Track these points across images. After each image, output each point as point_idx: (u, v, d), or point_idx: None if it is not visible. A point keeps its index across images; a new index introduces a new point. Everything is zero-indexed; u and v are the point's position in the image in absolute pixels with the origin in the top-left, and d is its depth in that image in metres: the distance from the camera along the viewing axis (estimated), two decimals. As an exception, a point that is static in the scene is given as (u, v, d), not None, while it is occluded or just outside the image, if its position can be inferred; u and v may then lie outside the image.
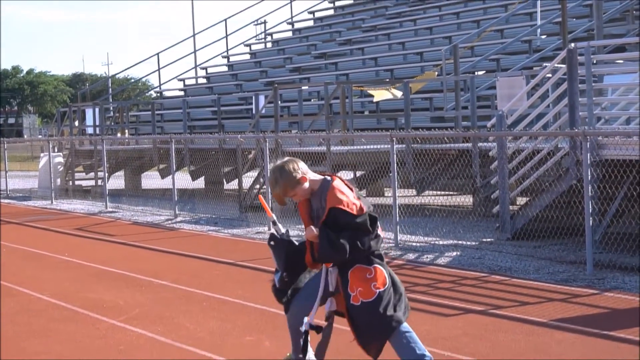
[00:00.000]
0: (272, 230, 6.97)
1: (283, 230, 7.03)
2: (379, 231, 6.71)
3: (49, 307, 10.43)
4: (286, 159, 6.83)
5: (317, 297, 6.79)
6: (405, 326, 6.64)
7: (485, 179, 16.26)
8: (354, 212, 6.57)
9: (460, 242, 14.38)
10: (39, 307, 10.41)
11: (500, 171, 14.33)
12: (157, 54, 34.45)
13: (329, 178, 6.76)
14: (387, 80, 24.08)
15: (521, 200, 16.07)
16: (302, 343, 7.26)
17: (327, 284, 6.75)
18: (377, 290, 6.55)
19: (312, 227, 6.59)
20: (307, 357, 7.41)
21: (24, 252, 15.29)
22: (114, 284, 11.80)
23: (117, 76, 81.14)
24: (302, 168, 6.77)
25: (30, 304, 10.66)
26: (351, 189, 6.72)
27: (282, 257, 6.94)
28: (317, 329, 6.84)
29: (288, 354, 7.44)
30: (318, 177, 6.79)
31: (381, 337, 6.60)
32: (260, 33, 37.76)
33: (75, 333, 9.06)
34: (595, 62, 14.50)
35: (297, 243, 7.00)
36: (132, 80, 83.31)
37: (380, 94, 22.01)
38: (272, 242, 6.98)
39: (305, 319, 6.99)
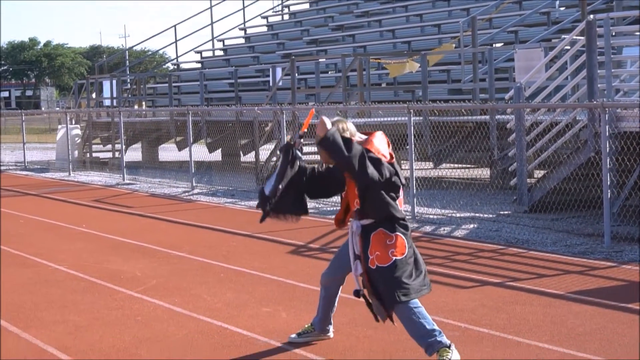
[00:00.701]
0: (293, 141, 6.89)
1: (300, 151, 6.95)
2: (400, 199, 6.70)
3: (67, 277, 10.47)
4: (336, 118, 6.78)
5: (351, 263, 6.79)
6: (416, 302, 6.62)
7: (503, 151, 16.20)
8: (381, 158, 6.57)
9: (477, 214, 14.35)
10: (56, 278, 10.46)
11: (518, 143, 14.27)
12: (174, 26, 34.36)
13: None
14: (405, 52, 24.00)
15: (539, 173, 16.01)
16: (323, 312, 7.28)
17: (354, 248, 6.73)
18: (394, 258, 6.54)
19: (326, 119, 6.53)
20: (330, 329, 7.43)
21: (42, 223, 15.35)
22: (132, 255, 11.84)
23: (134, 48, 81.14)
24: (350, 129, 6.76)
25: (48, 274, 10.71)
26: (389, 145, 6.73)
27: (287, 171, 6.87)
28: (357, 293, 6.83)
29: (306, 325, 7.46)
30: (363, 137, 6.78)
31: (388, 305, 6.59)
32: (277, 5, 37.69)
33: (93, 303, 9.09)
34: (614, 33, 14.40)
35: (306, 166, 6.97)
36: (149, 53, 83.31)
37: (396, 69, 21.91)
38: (286, 151, 6.90)
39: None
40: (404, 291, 6.53)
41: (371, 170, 6.45)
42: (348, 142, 6.48)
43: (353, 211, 6.78)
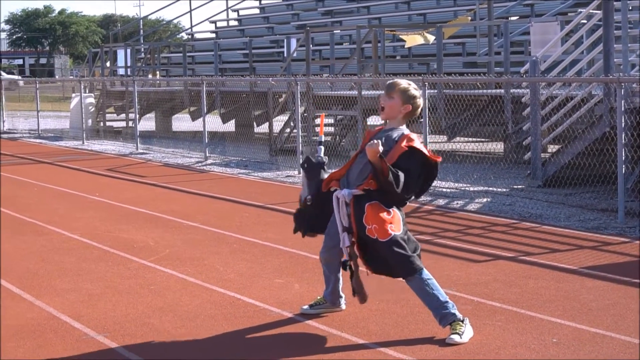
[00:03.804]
0: (311, 155, 6.98)
1: (322, 155, 7.06)
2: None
3: (80, 246, 10.50)
4: (407, 88, 6.81)
5: (340, 235, 6.79)
6: (427, 273, 6.65)
7: (517, 125, 16.15)
8: (429, 156, 6.68)
9: (491, 188, 14.33)
10: (70, 246, 10.48)
11: (533, 118, 14.23)
12: (189, -5, 34.32)
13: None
14: (420, 24, 23.91)
15: (553, 148, 15.97)
16: (332, 285, 7.30)
17: (341, 219, 6.74)
18: (393, 233, 6.54)
19: (378, 141, 6.52)
20: (341, 302, 7.43)
21: (56, 191, 15.38)
22: (145, 225, 11.86)
23: (148, 17, 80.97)
24: (415, 110, 6.82)
25: (61, 242, 10.74)
26: None
27: (314, 181, 6.97)
28: (344, 265, 6.86)
29: (318, 297, 7.47)
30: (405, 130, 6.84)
31: (403, 276, 6.65)
32: (293, -24, 37.48)
33: (106, 272, 9.12)
34: (631, 8, 14.31)
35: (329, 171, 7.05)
36: (164, 22, 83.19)
37: (412, 40, 21.83)
38: (305, 165, 7.00)
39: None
40: (414, 261, 6.56)
41: (406, 191, 6.60)
42: (397, 177, 6.52)
43: (341, 180, 6.83)
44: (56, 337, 6.92)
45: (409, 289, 6.76)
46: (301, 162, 7.14)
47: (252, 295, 8.07)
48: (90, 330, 7.07)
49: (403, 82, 6.85)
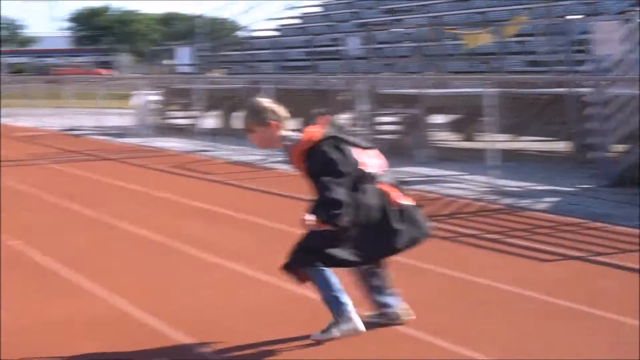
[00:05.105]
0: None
1: None
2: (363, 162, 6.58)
3: (148, 242, 10.61)
4: (269, 101, 6.65)
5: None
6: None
7: (582, 124, 16.07)
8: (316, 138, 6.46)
9: (557, 187, 14.26)
10: (137, 242, 10.61)
11: (598, 117, 14.14)
12: (250, -7, 34.48)
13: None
14: (480, 22, 23.85)
15: (618, 147, 15.85)
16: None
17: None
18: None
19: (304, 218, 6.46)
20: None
21: (122, 188, 15.51)
22: (212, 221, 11.96)
23: (209, 16, 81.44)
24: (279, 117, 6.59)
25: (129, 238, 10.87)
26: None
27: None
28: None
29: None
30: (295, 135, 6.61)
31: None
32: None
33: (174, 268, 9.22)
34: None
35: None
36: (228, 19, 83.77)
37: (473, 40, 21.80)
38: None
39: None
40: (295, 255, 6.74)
41: (335, 191, 6.64)
42: (319, 207, 6.64)
43: None
44: (128, 332, 7.02)
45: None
46: None
47: (322, 292, 8.09)
48: (165, 325, 7.16)
49: (247, 112, 6.60)
